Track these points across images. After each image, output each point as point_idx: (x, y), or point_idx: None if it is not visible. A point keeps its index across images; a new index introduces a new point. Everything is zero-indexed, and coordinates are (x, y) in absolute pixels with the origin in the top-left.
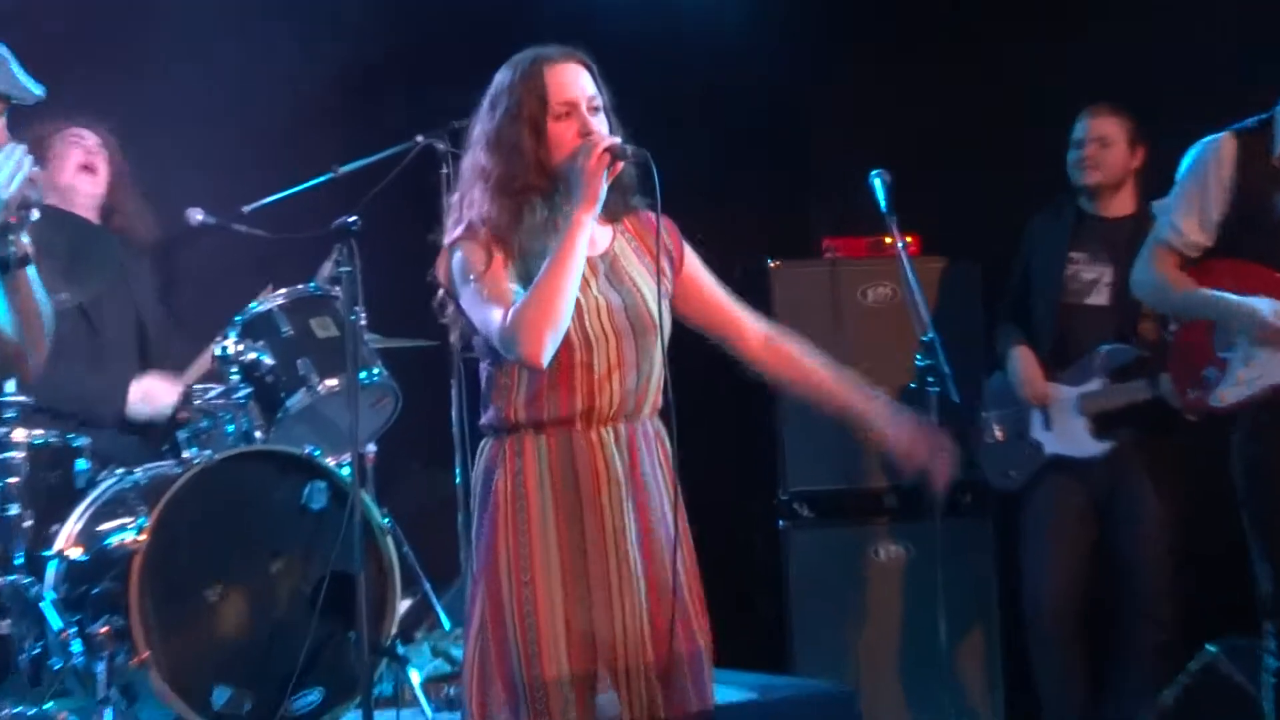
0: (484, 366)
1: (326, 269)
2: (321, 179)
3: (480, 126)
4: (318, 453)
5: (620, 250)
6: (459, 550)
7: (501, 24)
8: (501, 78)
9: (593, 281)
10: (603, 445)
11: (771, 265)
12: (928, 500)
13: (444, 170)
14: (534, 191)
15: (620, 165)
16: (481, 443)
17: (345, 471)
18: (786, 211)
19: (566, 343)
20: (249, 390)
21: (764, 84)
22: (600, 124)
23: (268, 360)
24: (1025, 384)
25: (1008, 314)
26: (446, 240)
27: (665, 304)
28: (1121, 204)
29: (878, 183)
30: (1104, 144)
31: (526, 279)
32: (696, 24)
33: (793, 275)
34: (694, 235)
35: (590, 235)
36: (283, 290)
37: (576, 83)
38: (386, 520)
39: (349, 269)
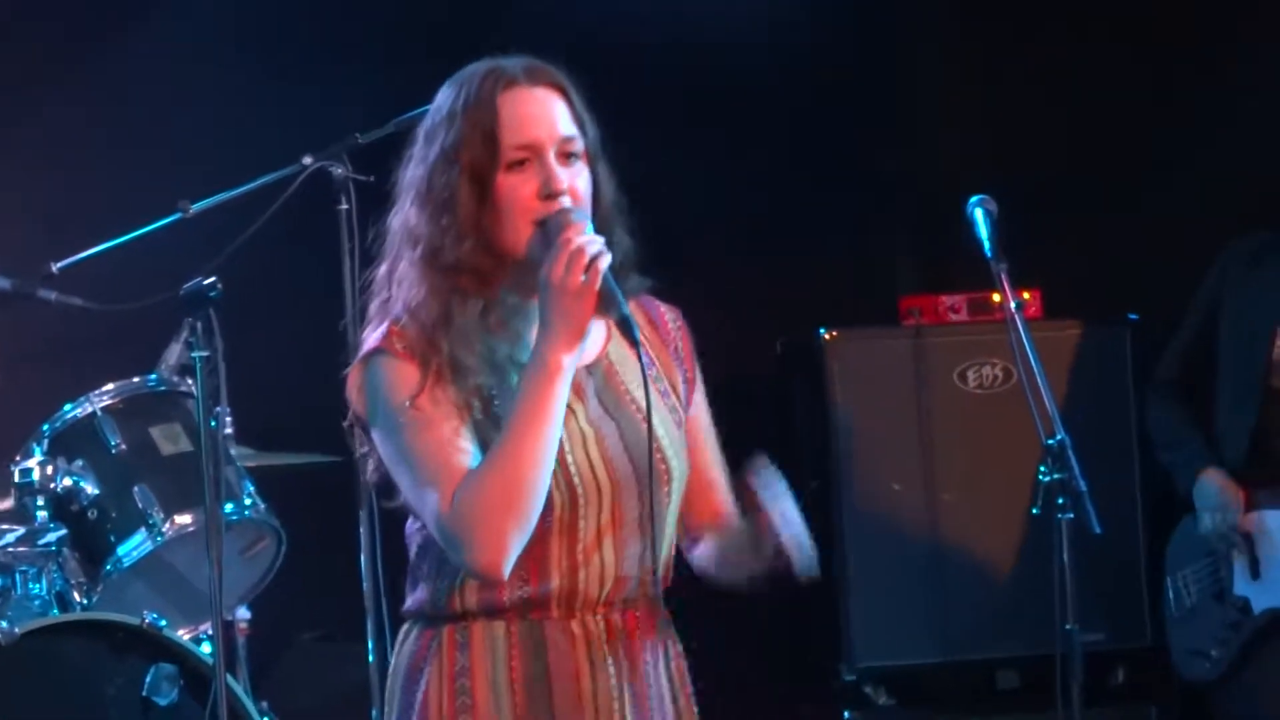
0: (411, 528)
1: (174, 354)
2: (165, 221)
3: (412, 166)
4: (163, 623)
5: (620, 358)
6: None
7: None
8: (442, 99)
9: (578, 406)
10: (588, 641)
11: (825, 337)
12: (1066, 677)
13: (343, 206)
14: (468, 274)
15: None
16: (403, 629)
17: (205, 649)
18: (850, 258)
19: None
20: (63, 533)
21: (817, 86)
22: (575, 178)
23: (89, 488)
24: (1221, 513)
25: (1172, 404)
26: (363, 344)
27: (682, 434)
28: None
29: (979, 214)
30: None
31: (463, 415)
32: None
33: (857, 350)
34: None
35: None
36: (110, 386)
37: (543, 116)
38: None
39: (206, 353)
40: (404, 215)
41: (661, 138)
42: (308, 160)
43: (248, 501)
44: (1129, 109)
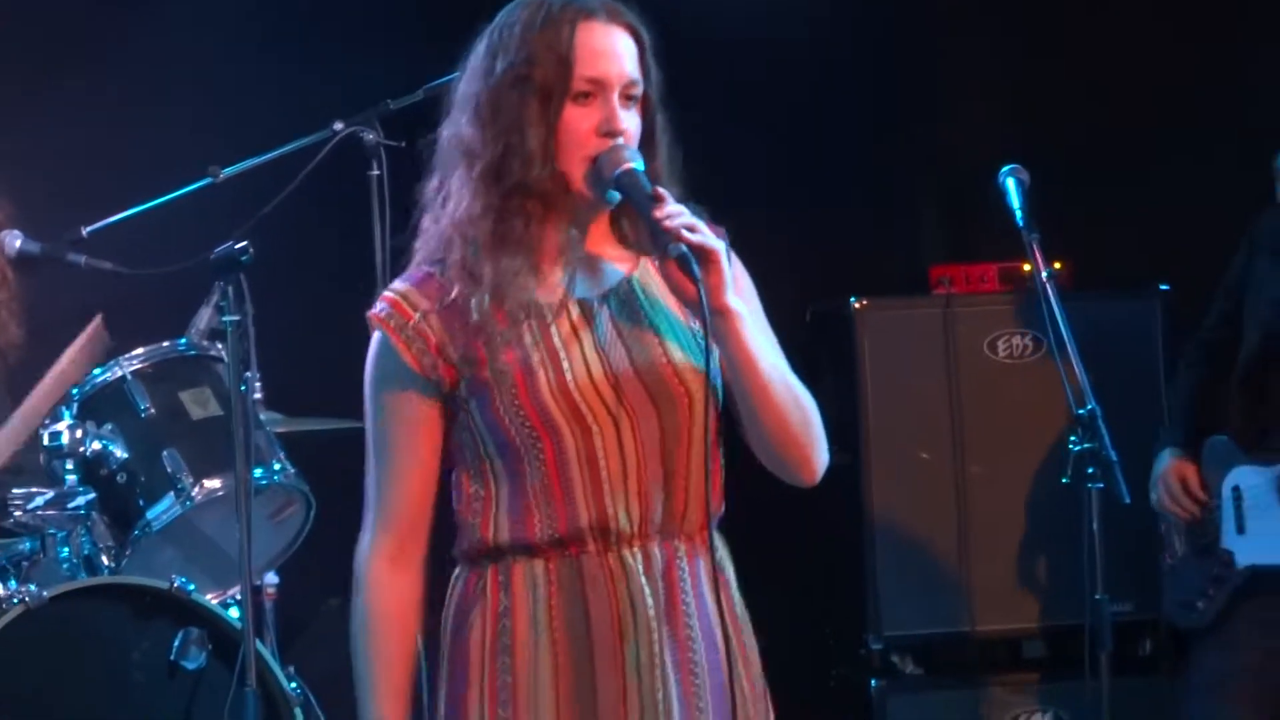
0: (455, 478)
1: (204, 318)
2: (195, 186)
3: (469, 81)
4: (192, 587)
5: (643, 283)
6: None
7: None
8: (511, 17)
9: (585, 335)
10: (627, 575)
11: (856, 306)
12: (1094, 647)
13: (375, 171)
14: (536, 198)
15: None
16: (454, 574)
17: (233, 614)
18: (880, 227)
19: (550, 425)
20: (91, 496)
21: (852, 55)
22: (631, 123)
23: (119, 452)
24: (1163, 483)
25: (1194, 369)
26: (375, 303)
27: (714, 359)
28: None
29: (1011, 183)
30: None
31: (461, 357)
32: None
33: (887, 319)
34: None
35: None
36: (140, 350)
37: (615, 54)
38: (294, 685)
39: (237, 318)
40: (458, 130)
41: (693, 105)
42: (339, 126)
43: (277, 466)
44: (1162, 76)
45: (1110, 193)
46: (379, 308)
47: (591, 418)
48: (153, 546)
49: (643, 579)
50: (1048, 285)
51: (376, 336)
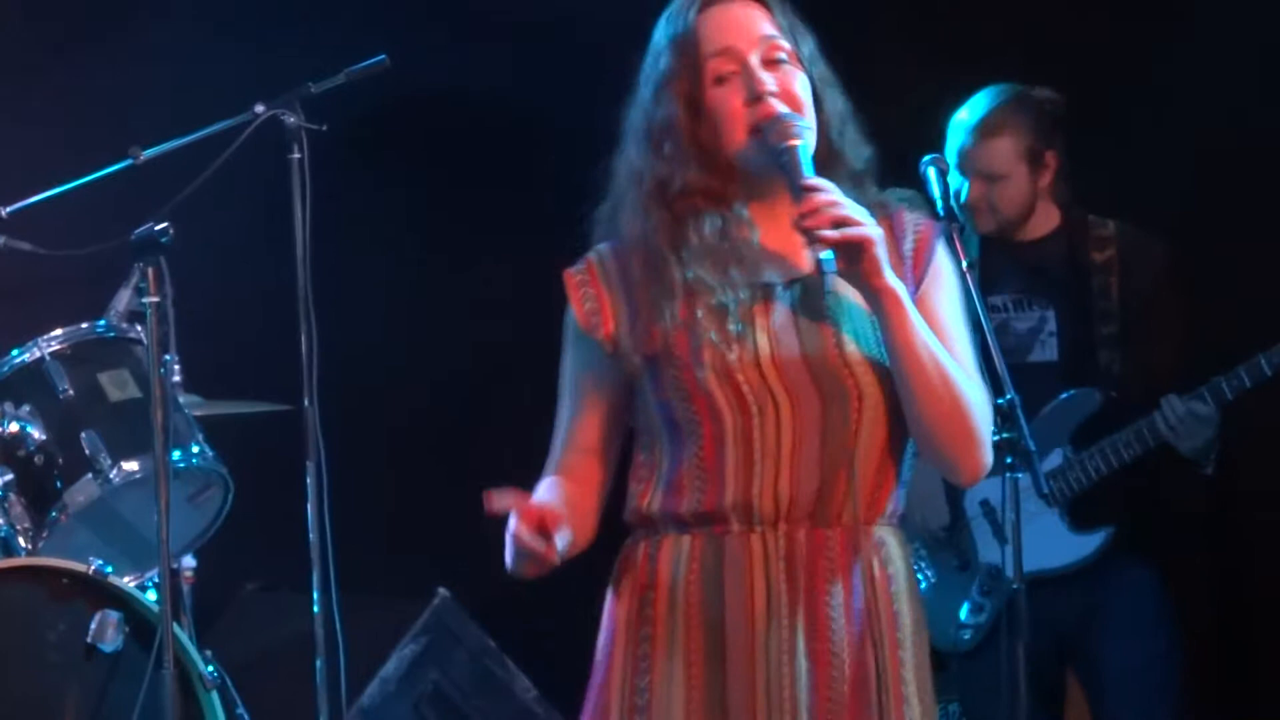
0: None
1: (123, 300)
2: (116, 167)
3: (630, 111)
4: (109, 570)
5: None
6: (317, 713)
7: None
8: (655, 37)
9: (761, 319)
10: (765, 558)
11: None
12: (1011, 637)
13: (296, 155)
14: (699, 195)
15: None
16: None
17: (151, 597)
18: None
19: (711, 406)
20: (9, 478)
21: None
22: (788, 81)
23: (36, 433)
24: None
25: None
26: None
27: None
28: (1039, 222)
29: (932, 173)
30: (991, 180)
31: (659, 336)
32: None
33: None
34: None
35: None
36: (58, 331)
37: (739, 24)
38: (211, 669)
39: (156, 300)
40: (626, 157)
41: None
42: (260, 108)
43: (195, 449)
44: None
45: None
46: (576, 264)
47: (753, 399)
48: (70, 528)
49: (782, 563)
50: (967, 276)
51: (569, 302)
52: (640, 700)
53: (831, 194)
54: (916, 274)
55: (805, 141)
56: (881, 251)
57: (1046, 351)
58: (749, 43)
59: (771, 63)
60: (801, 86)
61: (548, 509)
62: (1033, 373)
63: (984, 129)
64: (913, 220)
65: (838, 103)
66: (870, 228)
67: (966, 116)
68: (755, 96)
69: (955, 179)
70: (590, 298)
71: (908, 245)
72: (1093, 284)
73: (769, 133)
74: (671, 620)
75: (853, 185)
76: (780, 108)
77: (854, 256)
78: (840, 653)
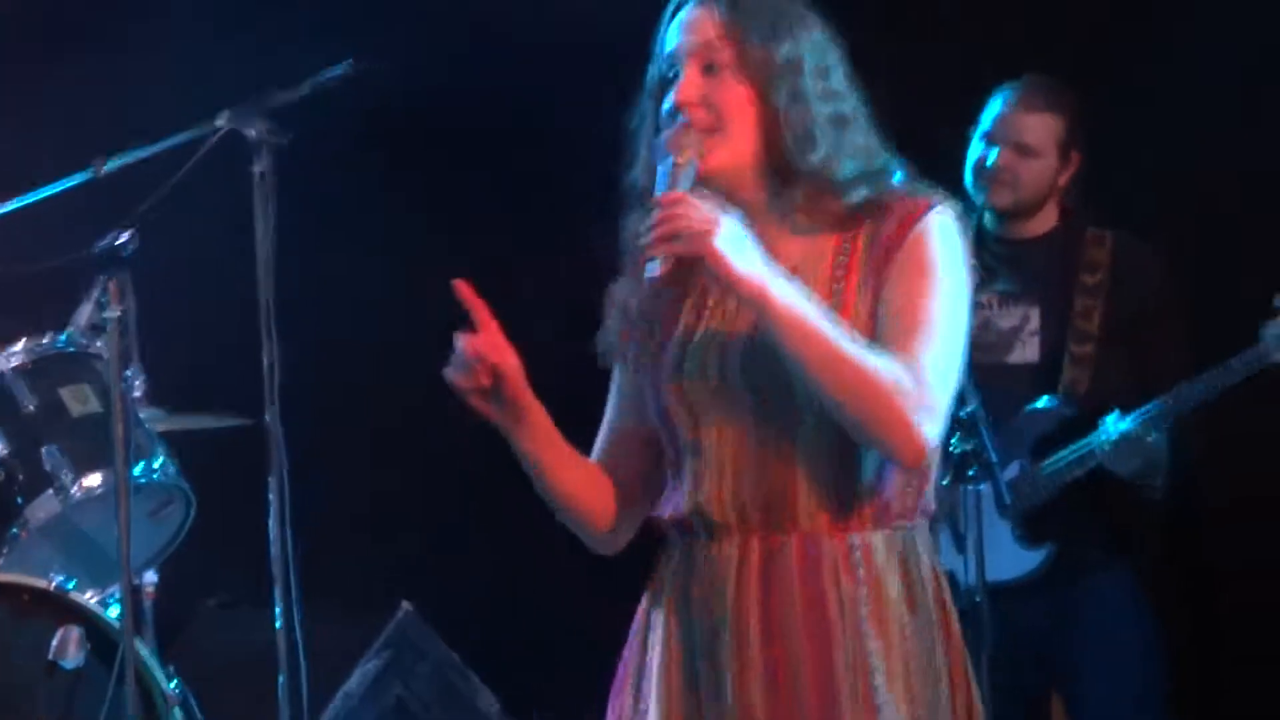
0: None
1: (85, 314)
2: (77, 179)
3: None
4: (71, 585)
5: (802, 269)
6: None
7: None
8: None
9: (713, 324)
10: (724, 567)
11: None
12: (977, 647)
13: (257, 168)
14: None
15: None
16: None
17: (112, 613)
18: None
19: (668, 418)
20: None
21: None
22: (715, 90)
23: None
24: None
25: None
26: None
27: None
28: (1042, 219)
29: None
30: (1023, 153)
31: (644, 348)
32: None
33: None
34: None
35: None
36: (19, 345)
37: (687, 25)
38: (174, 685)
39: (118, 314)
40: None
41: None
42: (222, 121)
43: (157, 464)
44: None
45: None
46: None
47: (699, 407)
48: (31, 543)
49: (734, 572)
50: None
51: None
52: (643, 705)
53: (671, 209)
54: (882, 256)
55: (694, 155)
56: (729, 244)
57: (1028, 352)
58: (686, 46)
59: (706, 68)
60: (731, 94)
61: (506, 352)
62: (1011, 373)
63: (1030, 102)
64: (907, 206)
65: (807, 113)
66: (706, 226)
67: (1014, 88)
68: (669, 108)
69: (978, 148)
70: (610, 306)
71: (886, 230)
72: (1076, 302)
73: (666, 142)
74: (660, 623)
75: (816, 193)
76: (681, 119)
77: (701, 263)
78: (797, 664)
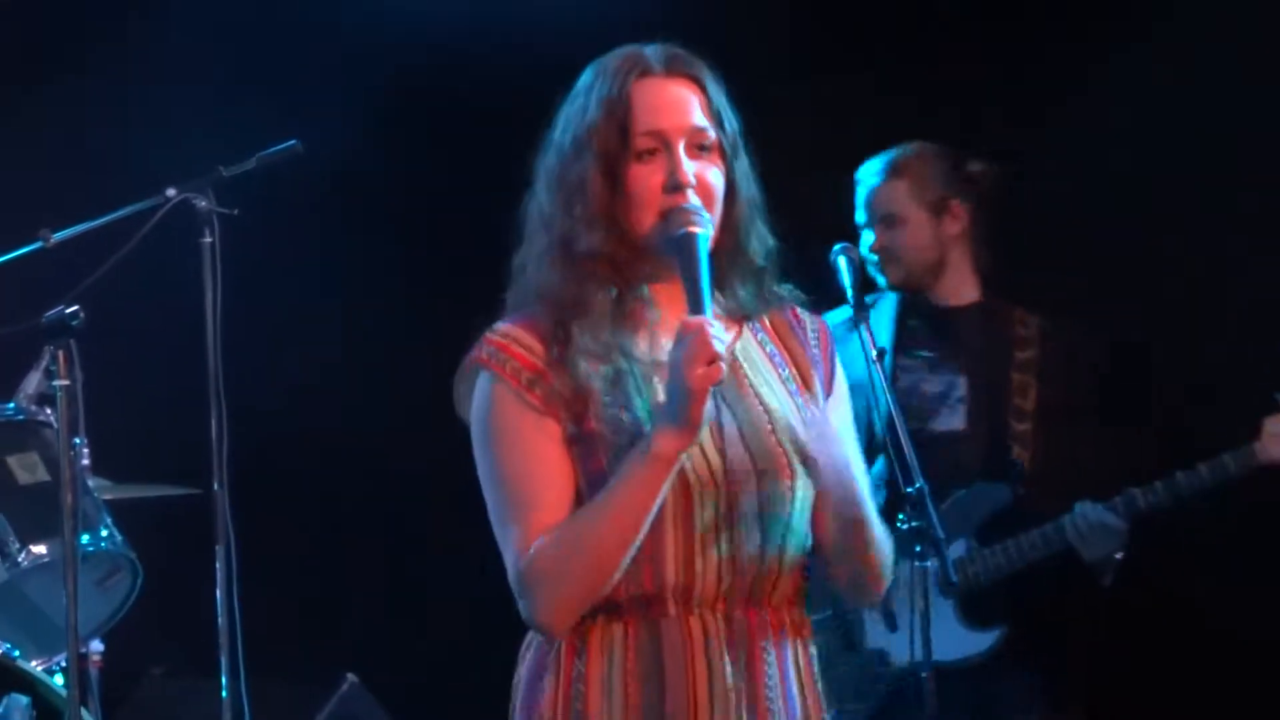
0: None
1: (33, 383)
2: (26, 250)
3: (546, 153)
4: (17, 654)
5: (746, 354)
6: None
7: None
8: (581, 83)
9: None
10: (706, 639)
11: None
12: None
13: (207, 239)
14: (603, 261)
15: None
16: (526, 638)
17: (58, 681)
18: None
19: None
20: None
21: None
22: (706, 171)
23: None
24: None
25: None
26: (476, 347)
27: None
28: (955, 285)
29: (843, 262)
30: (889, 224)
31: (570, 405)
32: None
33: None
34: None
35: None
36: None
37: (674, 106)
38: None
39: (66, 383)
40: (538, 202)
41: None
42: (171, 192)
43: (104, 532)
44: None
45: None
46: (486, 350)
47: (695, 479)
48: None
49: (724, 645)
50: (874, 365)
51: (485, 380)
52: None
53: (697, 336)
54: (827, 379)
55: (705, 231)
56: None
57: (954, 419)
58: (678, 129)
59: (696, 148)
60: (716, 179)
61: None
62: (937, 441)
63: (884, 171)
64: (811, 319)
65: (752, 193)
66: (716, 369)
67: (866, 165)
68: (675, 185)
69: (865, 235)
70: (536, 380)
71: (813, 348)
72: (1012, 378)
73: (672, 219)
74: (608, 706)
75: (753, 280)
76: (693, 201)
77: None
78: None
